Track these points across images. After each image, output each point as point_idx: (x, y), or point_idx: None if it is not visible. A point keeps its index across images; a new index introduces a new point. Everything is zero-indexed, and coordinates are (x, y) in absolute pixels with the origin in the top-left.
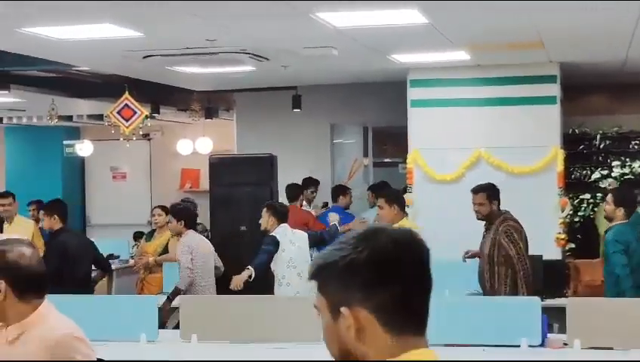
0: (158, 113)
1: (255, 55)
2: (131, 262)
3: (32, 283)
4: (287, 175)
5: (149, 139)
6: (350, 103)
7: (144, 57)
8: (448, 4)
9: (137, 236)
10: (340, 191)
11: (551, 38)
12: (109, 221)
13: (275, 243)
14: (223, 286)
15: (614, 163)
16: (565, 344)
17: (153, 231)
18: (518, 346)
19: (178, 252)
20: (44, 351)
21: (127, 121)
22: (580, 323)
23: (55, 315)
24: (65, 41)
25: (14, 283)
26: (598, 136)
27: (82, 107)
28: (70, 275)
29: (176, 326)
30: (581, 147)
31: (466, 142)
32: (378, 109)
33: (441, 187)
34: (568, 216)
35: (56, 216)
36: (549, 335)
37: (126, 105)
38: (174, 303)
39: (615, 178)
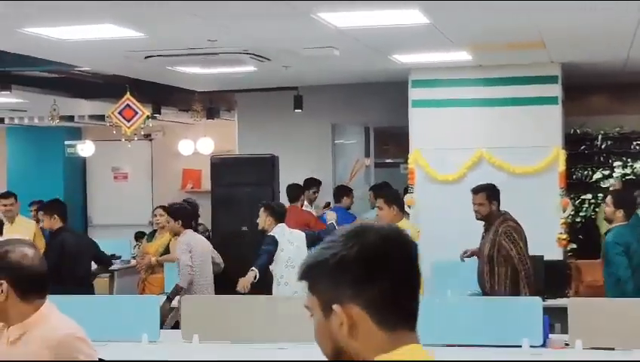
0: (160, 113)
1: (256, 55)
2: (133, 262)
3: (34, 284)
4: (289, 175)
5: (150, 140)
6: (351, 103)
7: (145, 57)
8: (449, 5)
9: (139, 236)
10: (343, 191)
11: (552, 38)
12: (111, 221)
13: (275, 243)
14: (223, 286)
15: (616, 163)
16: (567, 344)
17: (154, 231)
18: (520, 346)
19: (177, 251)
20: (47, 351)
21: (128, 121)
22: (581, 324)
23: (57, 315)
24: (66, 41)
25: (16, 284)
26: (600, 137)
27: (84, 107)
28: (69, 273)
29: (175, 326)
30: (582, 147)
31: (467, 142)
32: (379, 109)
33: (443, 187)
34: (570, 217)
35: (56, 215)
36: (550, 335)
37: (127, 105)
38: (172, 303)
39: (617, 178)
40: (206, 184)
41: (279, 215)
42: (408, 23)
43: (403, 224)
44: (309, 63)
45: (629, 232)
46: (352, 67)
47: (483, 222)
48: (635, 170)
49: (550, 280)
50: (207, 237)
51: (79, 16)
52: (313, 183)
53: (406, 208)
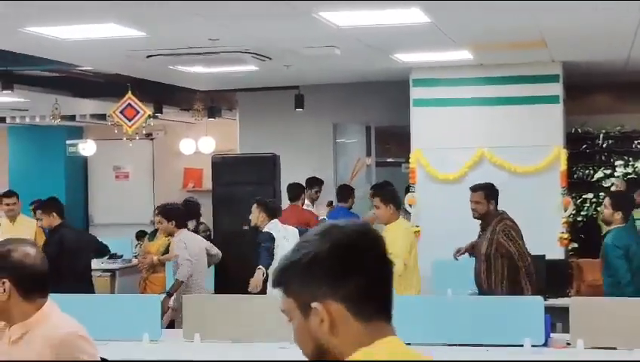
0: (161, 113)
1: (258, 54)
2: (134, 261)
3: (36, 283)
4: (290, 174)
5: (151, 139)
6: (353, 103)
7: (147, 57)
8: (451, 4)
9: (140, 235)
10: (348, 191)
11: (553, 37)
12: (112, 220)
13: (272, 239)
14: (225, 285)
15: (617, 162)
16: (568, 344)
17: (156, 230)
18: (521, 346)
19: (175, 249)
20: (49, 350)
21: (130, 120)
22: (583, 323)
23: (58, 314)
24: (68, 40)
25: (19, 283)
26: (601, 136)
27: (85, 107)
28: (69, 268)
29: (170, 325)
30: (584, 146)
31: (468, 141)
32: (381, 109)
33: (444, 187)
34: (571, 216)
35: (54, 213)
36: (552, 335)
37: (129, 104)
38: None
39: (618, 177)
40: (207, 183)
41: (272, 211)
42: (409, 22)
43: (400, 223)
44: (310, 62)
45: (628, 234)
46: (353, 66)
47: (479, 222)
48: (637, 169)
49: (552, 279)
50: (208, 236)
51: (81, 16)
52: (315, 182)
53: (407, 207)
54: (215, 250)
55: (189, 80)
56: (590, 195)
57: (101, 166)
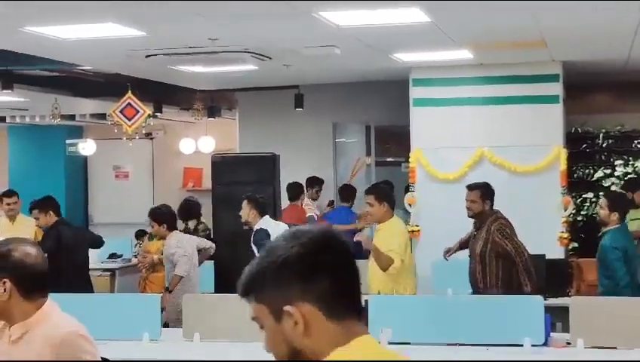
0: (161, 112)
1: (257, 54)
2: (134, 261)
3: (36, 282)
4: (290, 174)
5: (151, 138)
6: (352, 102)
7: (147, 56)
8: (451, 4)
9: (139, 235)
10: (351, 191)
11: (553, 37)
12: (112, 220)
13: (268, 236)
14: (224, 284)
15: (617, 162)
16: (568, 343)
17: None
18: (521, 345)
19: (171, 250)
20: (49, 349)
21: (129, 120)
22: (583, 323)
23: (59, 314)
24: (68, 40)
25: (19, 282)
26: (601, 135)
27: (85, 106)
28: (68, 263)
29: (165, 325)
30: (584, 146)
31: (468, 141)
32: (381, 108)
33: (444, 186)
34: (571, 215)
35: (50, 211)
36: (552, 334)
37: (129, 104)
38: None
39: (618, 177)
40: (207, 183)
41: (263, 208)
42: (409, 22)
43: (393, 221)
44: (309, 62)
45: (624, 235)
46: (353, 66)
47: (474, 221)
48: (637, 169)
49: (551, 279)
50: (208, 236)
51: (80, 16)
52: (316, 182)
53: (407, 207)
54: (206, 244)
55: (189, 80)
56: (590, 195)
57: (101, 165)
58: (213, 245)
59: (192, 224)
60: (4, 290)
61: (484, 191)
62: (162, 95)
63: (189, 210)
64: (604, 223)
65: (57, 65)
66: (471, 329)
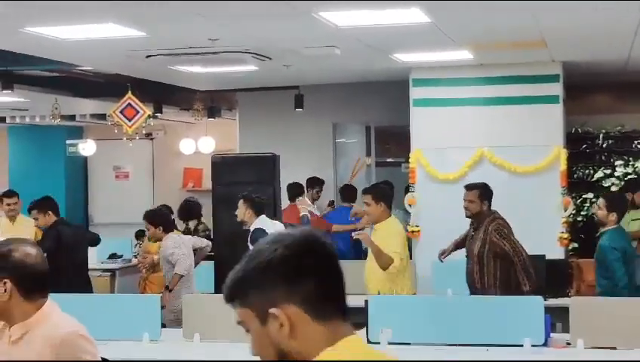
0: (161, 112)
1: (257, 54)
2: (134, 261)
3: (37, 283)
4: (290, 174)
5: (151, 139)
6: (352, 103)
7: (147, 57)
8: (451, 4)
9: (140, 235)
10: (352, 191)
11: (553, 37)
12: (112, 220)
13: (265, 235)
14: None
15: (617, 162)
16: (568, 343)
17: None
18: (521, 346)
19: (169, 250)
20: (49, 349)
21: (129, 120)
22: (583, 323)
23: (59, 314)
24: (68, 40)
25: (20, 283)
26: (601, 136)
27: (85, 106)
28: (68, 262)
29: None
30: (584, 146)
31: (468, 141)
32: (380, 109)
33: (444, 186)
34: (571, 216)
35: (49, 212)
36: (552, 334)
37: (129, 104)
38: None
39: (618, 177)
40: (207, 183)
41: (259, 207)
42: (409, 22)
43: (390, 221)
44: (310, 62)
45: (622, 236)
46: (353, 66)
47: (470, 221)
48: (637, 169)
49: (551, 279)
50: (208, 236)
51: (80, 16)
52: (316, 182)
53: (407, 207)
54: (202, 243)
55: (189, 80)
56: (590, 195)
57: (101, 166)
58: (210, 243)
59: (192, 224)
60: (5, 290)
61: (482, 192)
62: (162, 95)
63: (189, 210)
64: (602, 223)
65: (57, 65)
66: (471, 330)
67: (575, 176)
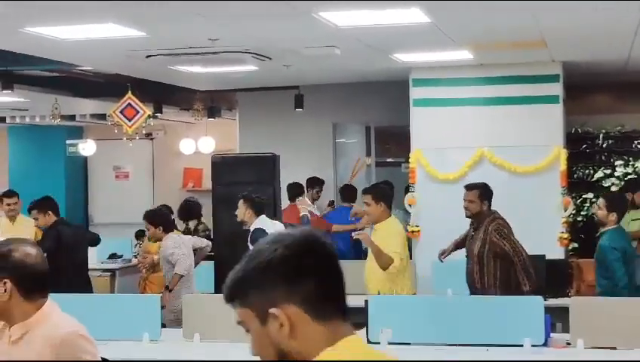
0: (161, 112)
1: (257, 54)
2: (134, 261)
3: (37, 283)
4: (290, 174)
5: (151, 139)
6: (352, 103)
7: (147, 57)
8: (451, 4)
9: (139, 235)
10: (353, 191)
11: (553, 37)
12: (112, 220)
13: (265, 235)
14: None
15: (617, 162)
16: (568, 343)
17: None
18: (521, 346)
19: (169, 250)
20: (49, 349)
21: (129, 120)
22: (583, 323)
23: (59, 314)
24: (68, 40)
25: (20, 283)
26: (601, 136)
27: (85, 106)
28: (68, 262)
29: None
30: (584, 146)
31: (468, 141)
32: (380, 109)
33: (444, 186)
34: (571, 216)
35: (49, 212)
36: (552, 334)
37: (129, 104)
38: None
39: (618, 177)
40: (207, 183)
41: (259, 207)
42: (409, 22)
43: (390, 221)
44: (309, 62)
45: (623, 236)
46: (353, 66)
47: (470, 221)
48: (637, 169)
49: (551, 279)
50: (208, 236)
51: (80, 16)
52: (317, 182)
53: (407, 207)
54: (202, 243)
55: (189, 80)
56: (590, 195)
57: (101, 166)
58: (210, 243)
59: (192, 224)
60: (5, 290)
61: (482, 192)
62: (162, 95)
63: (190, 210)
64: (602, 223)
65: (57, 65)
66: (471, 330)
67: (575, 176)
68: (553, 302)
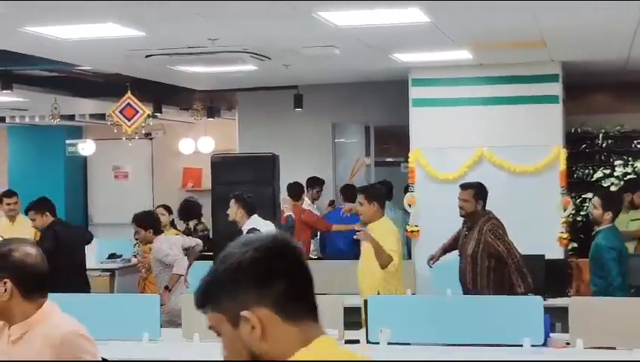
0: (160, 112)
1: (257, 54)
2: (134, 261)
3: (37, 282)
4: (289, 174)
5: (151, 139)
6: (352, 102)
7: (146, 57)
8: (450, 4)
9: None
10: (353, 191)
11: (553, 37)
12: (112, 220)
13: None
14: None
15: (617, 162)
16: (568, 343)
17: None
18: (521, 346)
19: (164, 252)
20: (49, 349)
21: (129, 120)
22: (582, 323)
23: (58, 314)
24: (67, 40)
25: (20, 282)
26: (601, 135)
27: (85, 106)
28: (67, 263)
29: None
30: (583, 146)
31: (467, 141)
32: (380, 108)
33: (443, 186)
34: (570, 216)
35: (47, 212)
36: (551, 334)
37: (128, 104)
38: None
39: (617, 177)
40: (206, 183)
41: (251, 207)
42: (409, 22)
43: (383, 221)
44: (309, 62)
45: (617, 235)
46: (353, 66)
47: (463, 220)
48: (636, 169)
49: (551, 279)
50: (207, 236)
51: (80, 16)
52: (317, 182)
53: (406, 207)
54: (192, 242)
55: (189, 80)
56: (590, 195)
57: (100, 165)
58: (200, 242)
59: (192, 224)
60: (5, 290)
61: (477, 191)
62: (162, 95)
63: (189, 210)
64: (597, 222)
65: (57, 65)
66: (470, 330)
67: (574, 175)
68: (553, 301)
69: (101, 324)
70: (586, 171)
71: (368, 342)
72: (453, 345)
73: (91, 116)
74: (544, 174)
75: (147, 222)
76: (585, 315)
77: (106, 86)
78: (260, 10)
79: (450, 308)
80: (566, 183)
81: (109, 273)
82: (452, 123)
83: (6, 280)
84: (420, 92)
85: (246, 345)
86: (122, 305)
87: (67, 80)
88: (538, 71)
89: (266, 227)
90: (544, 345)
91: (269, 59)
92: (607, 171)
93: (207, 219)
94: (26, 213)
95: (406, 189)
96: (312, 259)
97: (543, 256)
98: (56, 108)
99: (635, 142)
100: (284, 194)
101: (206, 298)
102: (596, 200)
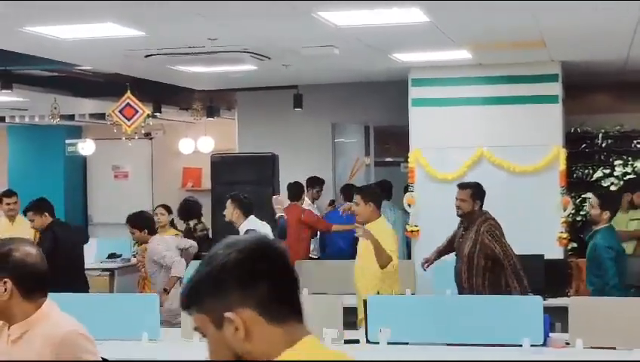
0: (160, 112)
1: (256, 54)
2: (133, 260)
3: (37, 282)
4: (289, 174)
5: (150, 138)
6: (351, 102)
7: (146, 56)
8: (450, 4)
9: None
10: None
11: (553, 37)
12: (111, 220)
13: None
14: None
15: (616, 162)
16: (567, 343)
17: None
18: (520, 346)
19: (161, 253)
20: (49, 349)
21: (129, 120)
22: (582, 323)
23: (58, 313)
24: (67, 40)
25: (20, 282)
26: (600, 135)
27: (84, 106)
28: (66, 263)
29: None
30: (583, 146)
31: (467, 141)
32: (380, 108)
33: (443, 186)
34: (570, 216)
35: (46, 213)
36: (551, 334)
37: (128, 104)
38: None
39: (617, 177)
40: (206, 183)
41: (247, 207)
42: (409, 22)
43: (380, 222)
44: (309, 62)
45: (614, 235)
46: (352, 66)
47: (460, 220)
48: (636, 169)
49: (551, 279)
50: (206, 236)
51: (80, 16)
52: (317, 182)
53: (406, 207)
54: (186, 243)
55: (188, 80)
56: (589, 195)
57: (100, 165)
58: (195, 244)
59: (191, 224)
60: (5, 290)
61: (474, 191)
62: (161, 95)
63: (189, 209)
64: (595, 222)
65: (57, 65)
66: (470, 330)
67: (574, 175)
68: (552, 301)
69: (100, 324)
70: (586, 171)
71: (368, 341)
72: (453, 344)
73: (91, 116)
74: (544, 174)
75: (140, 223)
76: (585, 315)
77: (105, 86)
78: (259, 10)
79: (450, 308)
80: (566, 183)
81: (108, 273)
82: (452, 123)
83: (6, 279)
84: (419, 92)
85: (230, 346)
86: (122, 305)
87: (67, 80)
88: (538, 71)
89: (262, 228)
90: (544, 344)
91: (269, 59)
92: (607, 171)
93: (207, 218)
94: (25, 213)
95: (406, 189)
96: (312, 258)
97: (543, 255)
98: (55, 108)
99: (635, 142)
100: (277, 194)
101: (191, 299)
102: (593, 199)
